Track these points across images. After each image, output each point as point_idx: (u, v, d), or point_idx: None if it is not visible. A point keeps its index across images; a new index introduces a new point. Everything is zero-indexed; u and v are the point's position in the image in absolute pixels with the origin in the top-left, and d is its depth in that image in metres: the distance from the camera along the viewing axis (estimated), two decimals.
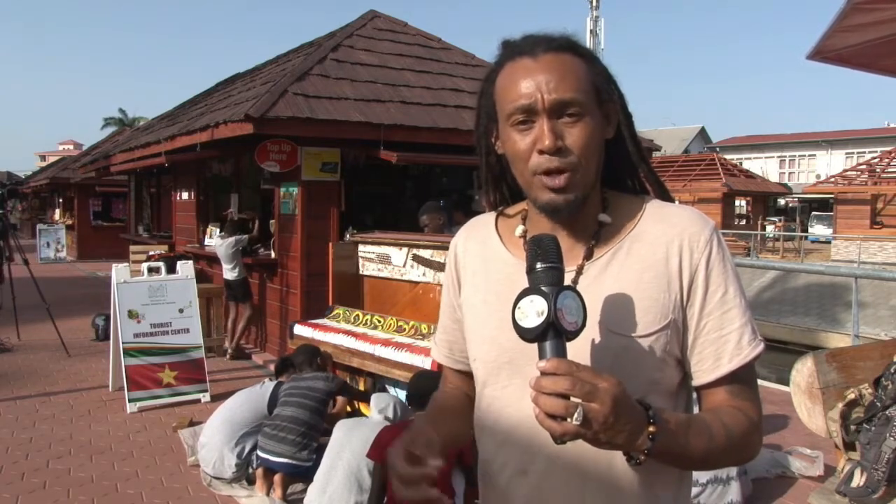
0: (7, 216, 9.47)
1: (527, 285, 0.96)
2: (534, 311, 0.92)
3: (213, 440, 4.17)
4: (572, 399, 0.86)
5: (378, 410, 3.67)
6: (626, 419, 0.89)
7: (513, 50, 1.09)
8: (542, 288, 0.93)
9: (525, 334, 0.93)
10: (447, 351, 1.30)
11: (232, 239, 7.29)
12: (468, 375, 1.26)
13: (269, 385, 4.37)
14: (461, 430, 1.25)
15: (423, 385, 3.32)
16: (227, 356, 7.47)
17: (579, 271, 1.09)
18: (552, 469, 1.07)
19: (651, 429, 0.92)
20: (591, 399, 0.86)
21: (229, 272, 7.41)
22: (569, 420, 0.85)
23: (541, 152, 1.04)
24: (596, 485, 1.05)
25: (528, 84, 1.04)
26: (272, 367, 6.96)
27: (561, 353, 0.91)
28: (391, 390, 4.33)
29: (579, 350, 1.01)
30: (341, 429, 3.59)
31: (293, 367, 4.49)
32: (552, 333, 0.92)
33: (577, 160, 1.04)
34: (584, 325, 0.94)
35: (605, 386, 0.87)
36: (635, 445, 0.92)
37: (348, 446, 3.44)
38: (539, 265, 0.96)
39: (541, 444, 0.93)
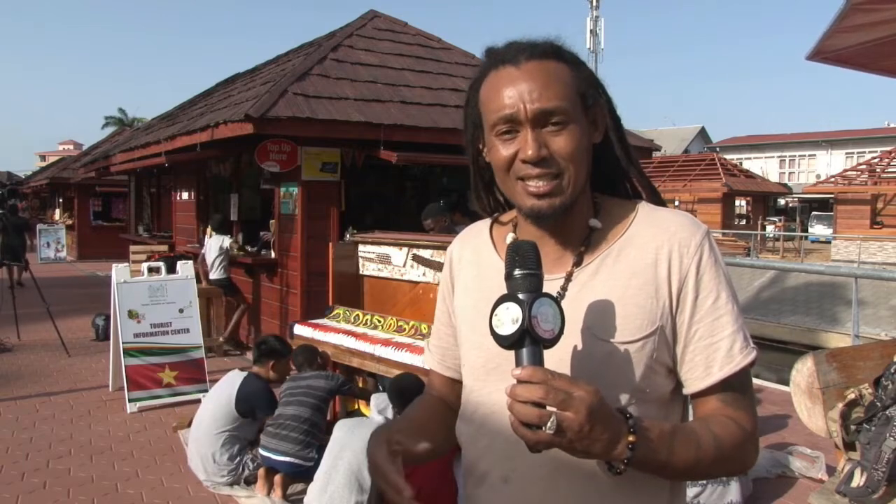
0: (8, 214, 10.27)
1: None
2: (509, 319, 0.91)
3: (198, 449, 4.16)
4: (547, 408, 0.85)
5: (378, 410, 3.67)
6: (603, 428, 0.87)
7: (496, 58, 1.08)
8: (519, 295, 0.92)
9: (500, 341, 0.92)
10: (440, 357, 1.30)
11: (225, 237, 7.55)
12: (456, 384, 1.25)
13: (236, 376, 4.29)
14: (440, 445, 1.23)
15: (405, 385, 3.40)
16: (223, 342, 7.76)
17: (568, 278, 1.08)
18: (534, 477, 1.05)
19: (631, 438, 0.90)
20: (565, 408, 0.85)
21: (213, 273, 7.62)
22: (543, 429, 0.85)
23: (524, 161, 1.03)
24: (579, 494, 1.04)
25: (511, 94, 1.03)
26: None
27: (537, 360, 0.90)
28: None
29: (565, 356, 1.01)
30: (342, 429, 3.59)
31: (270, 355, 4.42)
32: (528, 341, 0.91)
33: (563, 168, 1.03)
34: (561, 332, 0.93)
35: (580, 394, 0.86)
36: (613, 455, 0.90)
37: (349, 446, 3.44)
38: (517, 272, 0.95)
39: (523, 452, 0.92)
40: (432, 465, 2.99)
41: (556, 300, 0.94)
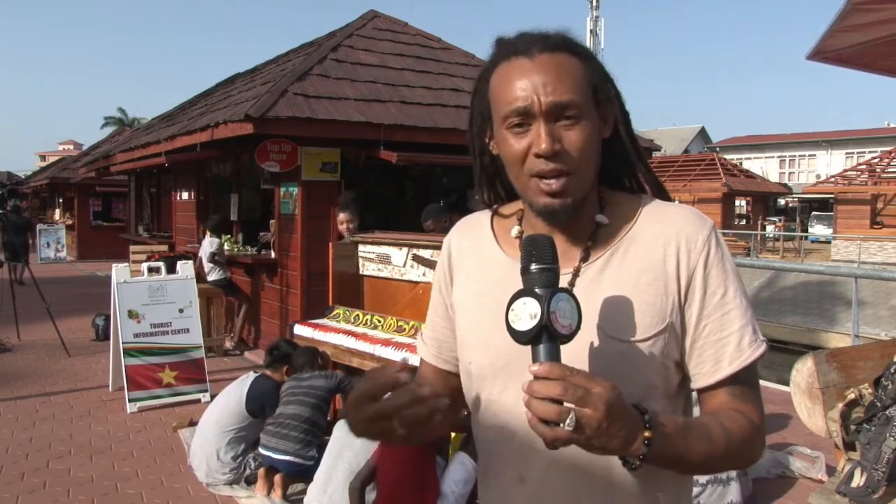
0: (9, 214, 10.60)
1: (521, 286, 0.94)
2: (527, 314, 0.90)
3: (202, 446, 4.17)
4: (565, 404, 0.84)
5: None
6: (621, 424, 0.87)
7: (508, 49, 1.06)
8: (536, 290, 0.91)
9: (518, 337, 0.91)
10: (436, 350, 1.27)
11: (214, 240, 7.62)
12: (451, 376, 1.23)
13: (248, 378, 4.34)
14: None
15: None
16: (233, 347, 7.85)
17: (576, 273, 1.07)
18: (550, 476, 1.05)
19: (647, 434, 0.90)
20: (583, 404, 0.84)
21: (210, 275, 7.70)
22: (561, 425, 0.84)
23: (537, 156, 1.01)
24: (594, 491, 1.04)
25: (525, 85, 1.01)
26: None
27: (554, 356, 0.90)
28: None
29: (576, 353, 1.00)
30: (342, 428, 3.59)
31: (283, 360, 4.47)
32: (546, 337, 0.90)
33: (575, 164, 1.02)
34: (578, 328, 0.92)
35: (598, 391, 0.85)
36: (630, 451, 0.89)
37: (349, 446, 3.44)
38: (534, 266, 0.93)
39: (538, 451, 0.91)
40: (413, 461, 2.96)
41: (574, 295, 0.93)
